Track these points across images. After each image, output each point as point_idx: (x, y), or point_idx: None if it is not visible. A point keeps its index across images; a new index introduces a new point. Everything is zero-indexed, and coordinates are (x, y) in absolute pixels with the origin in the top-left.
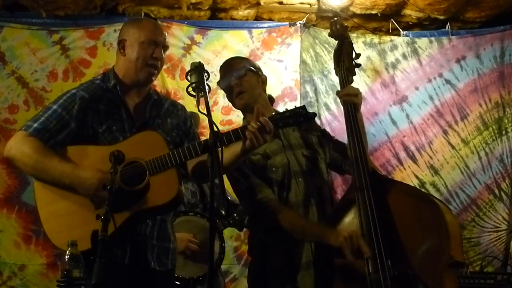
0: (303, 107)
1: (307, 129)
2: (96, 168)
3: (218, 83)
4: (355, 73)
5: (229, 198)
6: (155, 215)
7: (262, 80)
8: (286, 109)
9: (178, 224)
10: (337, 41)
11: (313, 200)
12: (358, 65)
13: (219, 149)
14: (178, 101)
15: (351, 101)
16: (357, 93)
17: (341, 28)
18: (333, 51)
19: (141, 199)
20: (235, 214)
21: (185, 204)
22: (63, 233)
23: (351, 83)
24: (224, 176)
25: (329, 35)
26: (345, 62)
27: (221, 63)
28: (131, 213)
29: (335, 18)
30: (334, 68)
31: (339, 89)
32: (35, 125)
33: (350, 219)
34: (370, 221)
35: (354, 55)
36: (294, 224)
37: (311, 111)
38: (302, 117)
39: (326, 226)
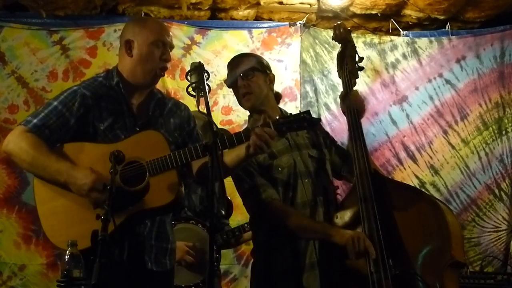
0: (307, 112)
1: (313, 130)
2: (91, 169)
3: (225, 80)
4: (358, 76)
5: (229, 198)
6: (154, 216)
7: (270, 79)
8: (291, 113)
9: (177, 230)
10: (340, 45)
11: (319, 201)
12: (361, 68)
13: (219, 151)
14: None
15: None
16: (363, 101)
17: (344, 32)
18: (333, 52)
19: (140, 200)
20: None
21: (192, 211)
22: (61, 231)
23: (354, 86)
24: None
25: (332, 39)
26: (348, 65)
27: (221, 63)
28: (129, 214)
29: (339, 22)
30: (337, 71)
31: (339, 89)
32: (35, 120)
33: (355, 221)
34: (373, 229)
35: (357, 59)
36: (298, 222)
37: (312, 112)
38: (306, 122)
39: (330, 224)
